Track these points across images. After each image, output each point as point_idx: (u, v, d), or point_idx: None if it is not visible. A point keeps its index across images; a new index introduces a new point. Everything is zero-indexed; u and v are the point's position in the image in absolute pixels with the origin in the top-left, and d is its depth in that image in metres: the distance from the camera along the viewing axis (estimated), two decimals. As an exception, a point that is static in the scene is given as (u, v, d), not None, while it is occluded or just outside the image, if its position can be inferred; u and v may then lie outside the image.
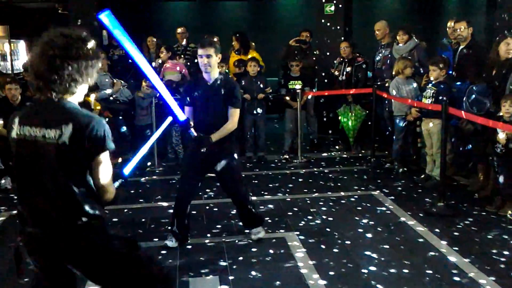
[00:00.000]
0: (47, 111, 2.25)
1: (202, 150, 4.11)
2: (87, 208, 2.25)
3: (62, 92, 2.26)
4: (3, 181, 6.27)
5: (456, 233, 4.67)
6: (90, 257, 2.30)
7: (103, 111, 6.93)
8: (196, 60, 8.31)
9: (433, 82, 6.05)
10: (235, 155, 4.38)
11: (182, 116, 3.85)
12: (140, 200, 5.83)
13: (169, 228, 4.50)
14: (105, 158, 2.27)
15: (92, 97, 6.82)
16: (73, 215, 2.24)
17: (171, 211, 4.94)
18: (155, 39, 8.64)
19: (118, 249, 2.37)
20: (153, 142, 3.37)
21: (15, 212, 5.38)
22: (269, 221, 5.05)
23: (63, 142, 2.17)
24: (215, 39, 4.51)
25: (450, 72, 6.40)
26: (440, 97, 5.82)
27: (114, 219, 5.15)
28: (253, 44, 8.47)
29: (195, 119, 4.14)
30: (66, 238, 2.25)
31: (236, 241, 4.54)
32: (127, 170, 2.68)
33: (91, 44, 2.30)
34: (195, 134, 4.03)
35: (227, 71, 7.65)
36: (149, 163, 7.24)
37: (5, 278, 3.96)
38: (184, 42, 8.71)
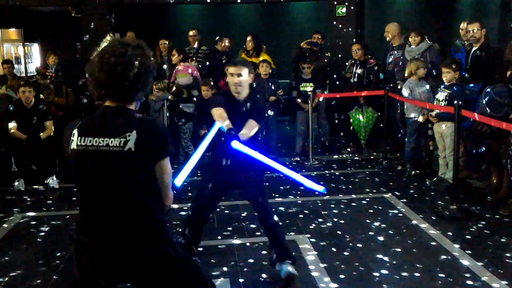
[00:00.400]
0: (109, 120, 2.25)
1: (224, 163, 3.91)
2: (156, 216, 2.29)
3: (123, 100, 2.26)
4: (16, 183, 6.33)
5: (469, 236, 4.63)
6: (158, 267, 2.28)
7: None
8: (207, 63, 8.45)
9: (446, 84, 6.01)
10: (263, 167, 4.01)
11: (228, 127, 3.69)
12: None
13: (181, 230, 4.45)
14: (167, 162, 2.30)
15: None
16: (143, 225, 2.25)
17: (183, 213, 4.98)
18: (167, 42, 8.67)
19: (181, 254, 2.39)
20: (203, 152, 3.29)
21: (28, 214, 5.45)
22: (280, 223, 5.01)
23: (129, 149, 2.18)
24: (248, 63, 4.15)
25: (463, 74, 6.35)
26: (454, 100, 5.76)
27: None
28: (264, 47, 8.47)
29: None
30: (134, 249, 2.23)
31: (247, 243, 4.54)
32: (178, 181, 2.68)
33: (148, 52, 2.32)
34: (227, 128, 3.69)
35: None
36: None
37: (20, 280, 3.99)
38: (196, 45, 8.74)
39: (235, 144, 3.56)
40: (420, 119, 6.53)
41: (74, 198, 6.01)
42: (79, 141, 2.24)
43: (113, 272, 2.28)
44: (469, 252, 4.26)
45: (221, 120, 3.71)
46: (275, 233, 3.99)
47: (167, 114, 7.25)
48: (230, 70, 3.90)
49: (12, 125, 6.42)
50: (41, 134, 6.46)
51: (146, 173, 2.24)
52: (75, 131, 2.27)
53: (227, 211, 5.44)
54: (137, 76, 2.23)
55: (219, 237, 4.70)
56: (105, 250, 2.25)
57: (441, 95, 6.02)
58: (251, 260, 4.18)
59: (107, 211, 2.24)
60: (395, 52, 7.51)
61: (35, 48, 12.00)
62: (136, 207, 2.23)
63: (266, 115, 7.45)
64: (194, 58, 8.39)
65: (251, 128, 3.78)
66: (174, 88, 7.50)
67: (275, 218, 4.00)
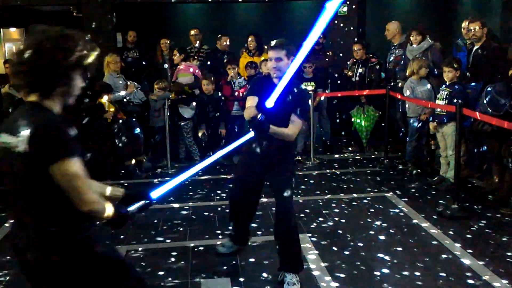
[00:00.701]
0: (19, 116, 2.05)
1: (257, 149, 3.81)
2: (52, 229, 2.04)
3: (40, 94, 2.06)
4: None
5: (470, 236, 4.63)
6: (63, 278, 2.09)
7: (117, 113, 6.98)
8: (209, 62, 8.45)
9: (448, 83, 6.00)
10: (293, 165, 4.04)
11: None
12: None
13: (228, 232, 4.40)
14: (69, 165, 1.98)
15: (105, 99, 6.88)
16: (44, 232, 2.05)
17: (184, 212, 4.99)
18: (168, 41, 8.67)
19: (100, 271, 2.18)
20: (193, 173, 3.09)
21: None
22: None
23: (20, 150, 1.97)
24: (289, 44, 3.75)
25: (465, 72, 6.34)
26: (455, 99, 5.76)
27: (127, 220, 5.18)
28: (266, 47, 8.46)
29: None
30: (40, 258, 2.07)
31: (248, 243, 4.53)
32: (155, 194, 2.54)
33: (74, 42, 2.12)
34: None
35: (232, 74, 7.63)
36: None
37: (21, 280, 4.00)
38: (197, 44, 8.74)
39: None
40: (421, 118, 6.53)
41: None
42: None
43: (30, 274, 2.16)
44: (470, 251, 4.26)
45: (245, 114, 3.63)
46: (292, 239, 3.69)
47: (168, 114, 7.24)
48: (269, 54, 3.69)
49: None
50: None
51: (42, 177, 1.99)
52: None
53: (228, 210, 5.43)
54: (53, 69, 2.00)
55: (220, 236, 4.70)
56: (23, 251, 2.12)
57: (442, 94, 6.01)
58: (252, 259, 4.19)
59: (16, 213, 2.15)
60: (396, 51, 7.50)
61: (37, 48, 12.02)
62: (36, 214, 2.05)
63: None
64: (196, 58, 8.38)
65: (292, 130, 3.64)
66: (175, 87, 7.50)
67: (295, 221, 3.77)
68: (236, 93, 7.53)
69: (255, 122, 3.48)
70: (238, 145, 3.58)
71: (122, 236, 4.72)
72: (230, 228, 4.36)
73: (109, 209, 2.13)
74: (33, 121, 1.98)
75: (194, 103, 7.42)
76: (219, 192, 6.10)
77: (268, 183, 3.98)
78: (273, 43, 3.73)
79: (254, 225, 4.95)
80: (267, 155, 3.80)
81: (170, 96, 7.36)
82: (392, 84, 7.34)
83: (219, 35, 8.55)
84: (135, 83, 7.56)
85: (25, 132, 1.96)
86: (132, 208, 2.40)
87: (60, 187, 2.00)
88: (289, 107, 3.66)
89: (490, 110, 5.34)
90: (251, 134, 3.56)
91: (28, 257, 2.09)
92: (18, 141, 1.98)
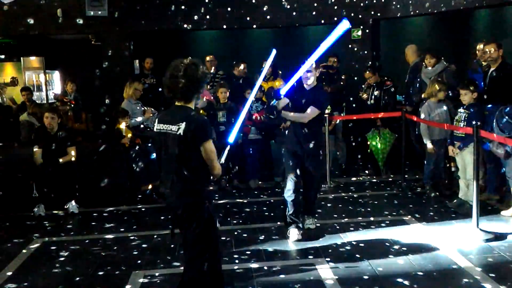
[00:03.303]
0: (173, 113, 3.34)
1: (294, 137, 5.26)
2: (197, 180, 3.31)
3: (183, 100, 3.33)
4: (36, 209, 6.40)
5: (491, 260, 4.54)
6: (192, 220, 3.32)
7: (134, 138, 7.06)
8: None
9: (465, 106, 5.97)
10: (321, 153, 5.42)
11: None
12: (170, 226, 5.84)
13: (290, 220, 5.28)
14: (209, 145, 3.25)
15: (123, 125, 6.97)
16: (193, 187, 3.30)
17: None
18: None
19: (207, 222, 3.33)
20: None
21: (48, 239, 5.51)
22: (298, 247, 5.01)
23: (179, 133, 3.22)
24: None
25: (482, 94, 6.30)
26: (473, 121, 5.72)
27: (144, 245, 5.19)
28: (280, 72, 8.53)
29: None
30: (178, 201, 3.34)
31: (265, 267, 4.51)
32: (231, 138, 3.68)
33: (201, 68, 3.34)
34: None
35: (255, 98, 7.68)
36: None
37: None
38: (212, 70, 8.84)
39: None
40: (429, 147, 6.49)
41: (94, 223, 6.07)
42: (157, 126, 3.37)
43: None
44: (492, 275, 4.17)
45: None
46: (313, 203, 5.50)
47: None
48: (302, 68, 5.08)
49: (36, 150, 6.52)
50: (60, 159, 6.53)
51: (191, 152, 3.23)
52: (156, 120, 3.42)
53: (245, 235, 5.43)
54: (190, 84, 3.27)
55: (237, 261, 4.68)
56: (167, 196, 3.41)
57: (460, 116, 5.98)
58: (269, 284, 4.15)
59: (167, 170, 3.35)
60: (410, 74, 7.51)
61: (56, 75, 12.25)
62: (187, 176, 3.27)
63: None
64: (209, 84, 8.49)
65: (306, 114, 5.17)
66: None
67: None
68: (254, 117, 7.56)
69: (269, 107, 5.04)
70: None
71: (139, 261, 4.73)
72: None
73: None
74: (186, 117, 3.25)
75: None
76: (235, 216, 6.09)
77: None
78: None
79: (270, 249, 4.94)
80: (305, 140, 5.23)
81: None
82: (407, 107, 7.33)
83: (237, 61, 8.63)
84: (152, 109, 7.65)
85: (182, 123, 3.21)
86: (223, 158, 3.58)
87: (202, 158, 3.25)
88: (310, 102, 5.18)
89: (504, 132, 5.30)
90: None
91: (172, 201, 3.39)
92: (178, 128, 3.23)
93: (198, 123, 3.24)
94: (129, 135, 7.02)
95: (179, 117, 3.26)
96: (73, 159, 6.61)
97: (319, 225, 5.66)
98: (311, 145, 5.22)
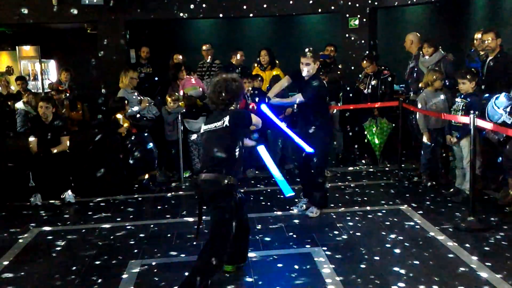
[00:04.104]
0: (217, 115, 3.95)
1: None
2: (233, 163, 3.86)
3: (224, 108, 3.95)
4: (33, 198, 6.39)
5: (487, 248, 4.56)
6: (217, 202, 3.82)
7: (130, 127, 7.04)
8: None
9: (463, 95, 5.96)
10: (323, 135, 5.56)
11: (307, 148, 5.35)
12: (167, 216, 5.86)
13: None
14: (254, 117, 3.99)
15: (120, 116, 6.95)
16: (227, 164, 3.81)
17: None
18: (180, 57, 8.75)
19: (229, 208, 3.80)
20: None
21: (45, 228, 5.50)
22: (295, 236, 5.02)
23: (225, 125, 3.81)
24: (315, 52, 5.60)
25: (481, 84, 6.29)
26: (470, 110, 5.71)
27: (141, 235, 5.19)
28: (277, 62, 8.50)
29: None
30: (211, 184, 3.82)
31: (262, 256, 4.51)
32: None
33: (238, 83, 4.01)
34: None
35: (251, 88, 7.67)
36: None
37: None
38: (209, 59, 8.80)
39: (263, 107, 5.28)
40: (424, 139, 6.49)
41: (90, 213, 6.06)
42: (203, 128, 3.98)
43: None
44: (488, 264, 4.19)
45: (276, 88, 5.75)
46: (317, 189, 5.67)
47: (182, 128, 7.28)
48: (301, 60, 5.46)
49: (31, 139, 6.50)
50: (53, 149, 6.49)
51: (234, 138, 3.85)
52: (203, 122, 4.21)
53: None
54: (230, 97, 3.94)
55: (234, 251, 4.67)
56: (201, 182, 3.86)
57: (458, 106, 5.97)
58: (266, 274, 4.16)
59: (209, 159, 3.88)
60: (411, 63, 7.48)
61: (52, 65, 12.18)
62: (222, 156, 3.81)
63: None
64: (207, 72, 8.46)
65: (291, 98, 5.72)
66: (187, 101, 7.56)
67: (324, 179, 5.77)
68: (251, 106, 7.52)
69: (261, 99, 5.64)
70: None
71: (136, 251, 4.73)
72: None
73: None
74: (228, 113, 3.88)
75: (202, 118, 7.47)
76: (232, 206, 6.09)
77: None
78: (305, 51, 5.49)
79: (268, 239, 4.94)
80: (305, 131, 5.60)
81: (183, 110, 7.40)
82: (406, 96, 7.31)
83: (235, 50, 8.59)
84: (149, 99, 7.62)
85: (226, 117, 3.83)
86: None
87: (239, 148, 3.87)
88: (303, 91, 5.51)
89: (487, 118, 5.32)
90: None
91: (205, 188, 3.84)
92: (222, 122, 3.83)
93: (241, 113, 4.02)
94: (126, 124, 7.00)
95: (222, 115, 3.89)
96: (67, 148, 6.59)
97: (326, 218, 5.68)
98: (309, 130, 5.50)
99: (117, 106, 7.01)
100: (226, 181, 3.76)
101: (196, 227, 4.01)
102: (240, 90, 4.03)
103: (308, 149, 5.28)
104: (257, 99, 5.74)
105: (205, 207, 3.99)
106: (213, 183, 3.79)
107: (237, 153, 3.85)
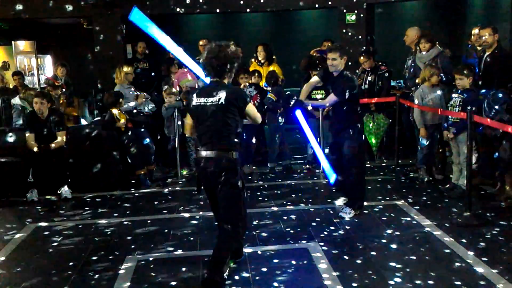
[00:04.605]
0: (212, 88, 3.82)
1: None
2: (233, 139, 3.81)
3: (218, 77, 3.84)
4: (29, 194, 6.38)
5: (483, 243, 4.57)
6: (224, 176, 3.79)
7: (127, 122, 7.02)
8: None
9: (460, 90, 5.96)
10: (355, 135, 5.35)
11: (332, 177, 5.49)
12: (163, 211, 5.86)
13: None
14: (250, 107, 3.88)
15: (115, 111, 6.93)
16: (224, 144, 3.78)
17: (194, 222, 4.97)
18: (177, 51, 8.71)
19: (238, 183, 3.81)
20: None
21: (41, 224, 5.49)
22: (291, 231, 5.02)
23: (221, 102, 3.73)
24: (341, 47, 5.65)
25: (476, 79, 6.30)
26: (467, 106, 5.72)
27: (137, 230, 5.19)
28: (275, 57, 8.48)
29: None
30: (216, 158, 3.78)
31: (259, 252, 4.52)
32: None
33: (233, 49, 3.82)
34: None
35: (248, 83, 7.65)
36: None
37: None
38: (206, 54, 8.76)
39: (298, 114, 5.53)
40: (421, 133, 6.50)
41: (87, 208, 6.05)
42: (196, 100, 3.83)
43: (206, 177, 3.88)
44: (484, 259, 4.20)
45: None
46: (352, 189, 5.46)
47: (179, 123, 7.26)
48: (327, 55, 5.43)
49: (28, 135, 6.48)
50: (51, 144, 6.48)
51: (232, 116, 3.76)
52: (194, 95, 3.87)
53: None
54: (224, 64, 3.79)
55: (231, 246, 4.67)
56: (203, 160, 3.83)
57: (455, 101, 5.97)
58: (263, 269, 4.16)
59: (208, 136, 3.81)
60: (409, 59, 7.47)
61: (48, 60, 12.14)
62: (225, 134, 3.78)
63: (280, 123, 7.49)
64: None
65: (325, 100, 5.61)
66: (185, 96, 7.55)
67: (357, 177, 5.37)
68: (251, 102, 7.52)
69: (296, 104, 5.61)
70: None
71: (133, 246, 4.73)
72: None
73: None
74: (224, 88, 3.78)
75: None
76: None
77: None
78: (331, 47, 5.63)
79: (265, 234, 4.95)
80: (337, 131, 5.53)
81: (181, 105, 7.38)
82: (404, 91, 7.31)
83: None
84: (145, 94, 7.60)
85: (222, 93, 3.74)
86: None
87: (237, 125, 3.82)
88: (333, 88, 5.45)
89: (484, 115, 5.33)
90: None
91: (209, 166, 3.79)
92: (218, 98, 3.74)
93: (238, 91, 3.98)
94: (123, 119, 6.97)
95: (217, 89, 3.77)
96: (63, 144, 6.58)
97: (312, 210, 5.68)
98: (340, 127, 5.41)
99: (112, 101, 6.99)
100: (230, 157, 3.76)
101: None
102: (235, 57, 3.84)
103: (332, 178, 5.42)
104: (292, 103, 5.63)
105: (205, 186, 3.95)
106: (217, 160, 3.76)
107: (235, 129, 3.81)
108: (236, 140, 3.83)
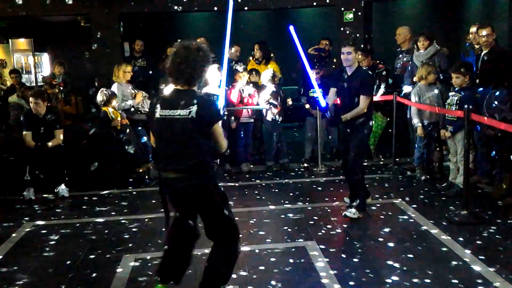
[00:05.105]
0: (179, 97, 3.25)
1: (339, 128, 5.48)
2: (206, 158, 3.29)
3: (187, 84, 3.27)
4: (26, 192, 6.36)
5: (480, 242, 4.58)
6: (200, 194, 3.31)
7: (122, 118, 7.00)
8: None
9: (457, 89, 5.97)
10: (365, 132, 5.25)
11: (323, 103, 5.36)
12: (161, 210, 5.83)
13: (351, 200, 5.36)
14: (218, 126, 3.30)
15: (110, 110, 6.91)
16: (194, 163, 3.24)
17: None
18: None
19: (219, 195, 3.38)
20: None
21: (38, 222, 5.48)
22: (289, 230, 5.03)
23: (191, 116, 3.16)
24: (356, 41, 5.48)
25: (475, 78, 6.30)
26: (464, 104, 5.72)
27: (135, 229, 5.19)
28: (273, 55, 8.47)
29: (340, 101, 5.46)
30: (186, 179, 3.27)
31: (256, 250, 4.52)
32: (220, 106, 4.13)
33: (203, 52, 3.27)
34: (331, 115, 5.59)
35: (246, 81, 7.66)
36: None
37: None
38: (203, 53, 8.74)
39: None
40: (419, 131, 6.50)
41: (84, 207, 6.05)
42: (161, 112, 3.26)
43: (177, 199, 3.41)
44: (481, 257, 4.21)
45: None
46: (355, 189, 5.33)
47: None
48: (342, 49, 5.18)
49: (25, 133, 6.46)
50: (49, 143, 6.47)
51: (202, 132, 3.22)
52: (158, 106, 3.28)
53: (236, 218, 5.40)
54: (194, 70, 3.23)
55: (228, 245, 4.67)
56: (171, 180, 3.31)
57: (452, 100, 5.98)
58: (260, 267, 4.16)
59: (174, 158, 3.28)
60: (404, 57, 7.47)
61: (45, 58, 12.11)
62: (193, 152, 3.24)
63: (278, 121, 7.48)
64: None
65: (361, 107, 5.15)
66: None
67: (359, 176, 5.28)
68: (246, 100, 7.53)
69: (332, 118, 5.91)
70: None
71: (130, 245, 4.72)
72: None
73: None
74: (196, 100, 3.21)
75: None
76: (227, 200, 6.09)
77: None
78: (346, 41, 5.30)
79: (262, 232, 4.95)
80: (346, 131, 5.34)
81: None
82: (398, 90, 7.31)
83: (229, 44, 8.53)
84: (143, 92, 7.59)
85: (193, 106, 3.17)
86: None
87: (210, 138, 3.27)
88: (355, 90, 5.14)
89: (487, 114, 5.34)
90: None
91: (178, 186, 3.29)
92: (188, 112, 3.17)
93: (210, 105, 3.31)
94: (119, 118, 6.95)
95: (187, 101, 3.20)
96: (61, 142, 6.56)
97: (309, 208, 5.69)
98: (351, 125, 5.22)
99: (101, 100, 6.96)
100: (202, 180, 3.28)
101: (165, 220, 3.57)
102: (206, 61, 3.29)
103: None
104: (328, 116, 5.84)
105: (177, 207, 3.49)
106: (188, 184, 3.26)
107: (209, 147, 3.30)
108: (209, 158, 3.34)
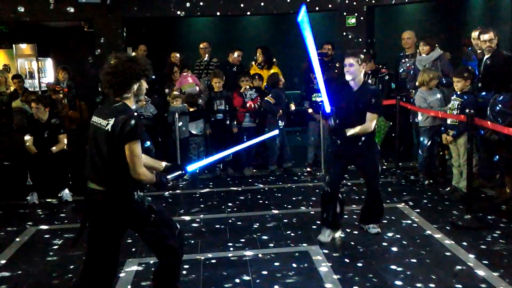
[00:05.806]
0: (107, 107, 3.19)
1: (337, 141, 4.75)
2: (127, 177, 3.09)
3: (117, 95, 3.16)
4: (29, 197, 6.38)
5: (484, 246, 4.56)
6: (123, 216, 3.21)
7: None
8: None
9: (458, 93, 5.97)
10: (376, 150, 4.86)
11: (328, 108, 4.57)
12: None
13: (320, 221, 4.90)
14: (134, 146, 3.04)
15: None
16: (110, 183, 3.13)
17: (195, 225, 4.97)
18: (178, 55, 8.74)
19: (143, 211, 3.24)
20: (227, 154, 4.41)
21: (42, 227, 5.49)
22: (292, 234, 5.02)
23: (107, 129, 3.04)
24: (360, 52, 4.83)
25: (476, 82, 6.30)
26: (466, 108, 5.72)
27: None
28: (275, 60, 8.49)
29: (336, 116, 4.72)
30: (104, 197, 3.16)
31: (259, 255, 4.52)
32: (190, 167, 3.49)
33: (133, 64, 3.15)
34: (333, 124, 4.68)
35: (249, 86, 7.68)
36: None
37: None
38: (206, 57, 8.79)
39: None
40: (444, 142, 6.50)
41: (87, 211, 6.04)
42: (93, 118, 3.20)
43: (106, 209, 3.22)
44: (485, 262, 4.20)
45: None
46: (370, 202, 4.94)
47: (179, 124, 7.27)
48: (344, 61, 4.68)
49: (27, 138, 6.49)
50: (53, 148, 6.49)
51: (117, 149, 3.05)
52: (95, 112, 3.25)
53: (239, 223, 5.43)
54: (119, 81, 3.12)
55: (231, 249, 4.68)
56: (90, 190, 3.23)
57: (454, 104, 5.97)
58: (264, 272, 4.16)
59: (93, 166, 3.18)
60: (408, 61, 7.47)
61: (49, 63, 12.15)
62: (110, 167, 3.09)
63: (281, 126, 7.48)
64: (204, 70, 8.48)
65: (367, 125, 4.60)
66: (188, 99, 7.59)
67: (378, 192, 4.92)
68: (248, 105, 7.55)
69: (336, 128, 4.71)
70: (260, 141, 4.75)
71: (133, 249, 4.73)
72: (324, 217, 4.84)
73: (152, 177, 3.19)
74: (117, 112, 3.07)
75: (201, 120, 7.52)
76: (229, 204, 6.10)
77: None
78: (348, 52, 4.81)
79: (265, 237, 4.94)
80: (345, 147, 4.73)
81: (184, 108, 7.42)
82: (403, 94, 7.31)
83: (233, 49, 8.56)
84: (146, 97, 7.60)
85: (112, 119, 3.04)
86: (170, 176, 3.36)
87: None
88: (362, 107, 4.61)
89: (497, 120, 5.32)
90: (275, 132, 5.10)
91: (96, 198, 3.18)
92: (107, 123, 3.05)
93: (127, 121, 3.03)
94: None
95: (110, 112, 3.10)
96: (65, 147, 6.58)
97: (312, 213, 5.68)
98: (359, 144, 4.69)
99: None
100: (123, 197, 3.14)
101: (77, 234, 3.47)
102: (135, 73, 3.14)
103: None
104: (330, 124, 4.78)
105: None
106: (108, 199, 3.15)
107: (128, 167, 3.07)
108: (131, 178, 3.10)
